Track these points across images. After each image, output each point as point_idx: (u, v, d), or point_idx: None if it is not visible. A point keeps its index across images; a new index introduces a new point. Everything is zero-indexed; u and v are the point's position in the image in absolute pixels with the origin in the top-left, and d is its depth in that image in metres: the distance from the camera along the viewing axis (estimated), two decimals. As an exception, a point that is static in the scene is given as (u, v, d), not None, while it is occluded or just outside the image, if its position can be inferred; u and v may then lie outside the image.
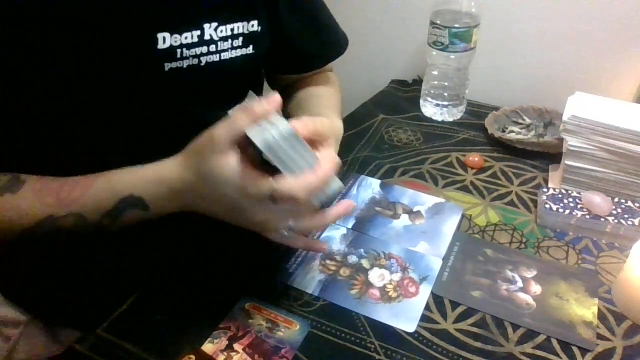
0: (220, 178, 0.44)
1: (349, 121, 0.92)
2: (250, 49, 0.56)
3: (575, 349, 0.51)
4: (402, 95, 1.04)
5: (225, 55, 0.54)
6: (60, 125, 0.51)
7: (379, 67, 1.18)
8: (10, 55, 0.45)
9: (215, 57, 0.53)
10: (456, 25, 0.85)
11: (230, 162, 0.43)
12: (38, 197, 0.48)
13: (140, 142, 0.52)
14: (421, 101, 0.97)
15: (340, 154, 0.83)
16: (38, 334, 0.67)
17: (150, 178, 0.48)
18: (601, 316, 0.55)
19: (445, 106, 0.94)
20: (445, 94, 0.93)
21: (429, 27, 0.89)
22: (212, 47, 0.52)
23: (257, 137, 0.43)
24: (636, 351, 0.51)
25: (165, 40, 0.49)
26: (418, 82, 1.05)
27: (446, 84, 0.93)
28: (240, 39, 0.55)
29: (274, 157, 0.43)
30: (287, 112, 0.68)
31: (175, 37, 0.49)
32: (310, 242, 0.56)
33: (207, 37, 0.51)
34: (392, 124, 0.93)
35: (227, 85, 0.55)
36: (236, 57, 0.55)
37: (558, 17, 0.93)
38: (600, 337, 0.53)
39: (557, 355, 0.51)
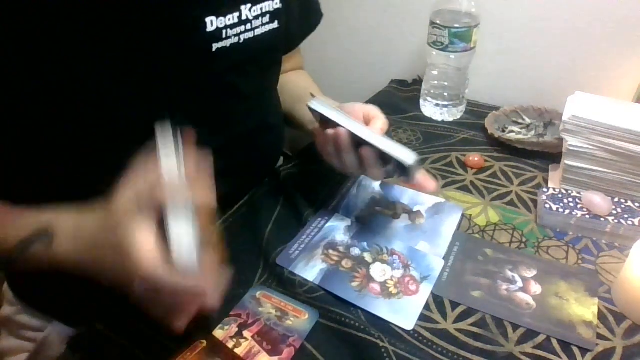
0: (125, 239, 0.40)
1: (349, 121, 0.92)
2: (275, 24, 0.62)
3: (575, 349, 0.51)
4: (402, 95, 1.04)
5: (258, 32, 0.60)
6: (112, 107, 0.53)
7: (379, 67, 1.18)
8: (66, 40, 0.47)
9: (251, 34, 0.59)
10: (456, 25, 0.85)
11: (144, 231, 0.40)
12: None
13: (187, 118, 0.55)
14: (421, 101, 0.97)
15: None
16: (60, 342, 0.68)
17: (69, 210, 0.48)
18: (601, 316, 0.55)
19: (445, 106, 0.94)
20: (445, 94, 0.93)
21: (429, 27, 0.89)
22: (249, 26, 0.58)
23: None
24: (636, 351, 0.51)
25: (212, 23, 0.55)
26: (418, 82, 1.05)
27: (446, 84, 0.93)
28: (268, 16, 0.61)
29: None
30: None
31: (220, 20, 0.55)
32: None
33: (244, 17, 0.58)
34: (392, 124, 0.93)
35: (261, 58, 0.63)
36: (266, 32, 0.61)
37: (558, 17, 0.93)
38: (600, 337, 0.53)
39: (557, 355, 0.51)
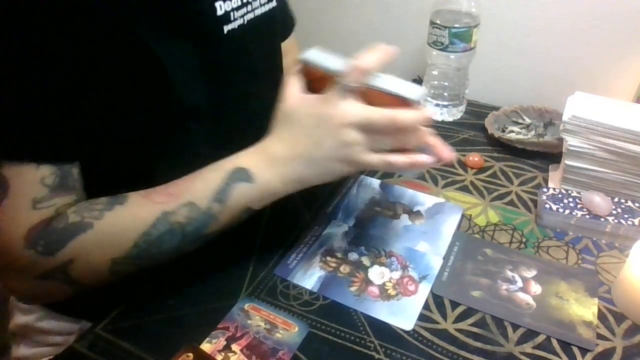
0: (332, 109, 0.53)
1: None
2: (273, 3, 0.67)
3: (575, 349, 0.51)
4: (402, 95, 1.04)
5: (258, 12, 0.64)
6: (135, 98, 0.54)
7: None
8: (88, 38, 0.48)
9: (252, 15, 0.63)
10: (456, 25, 0.85)
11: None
12: (148, 199, 0.51)
13: (210, 103, 0.61)
14: (421, 101, 0.97)
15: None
16: None
17: (251, 150, 0.54)
18: (601, 316, 0.55)
19: (445, 106, 0.94)
20: (445, 94, 0.93)
21: (429, 27, 0.89)
22: (249, 7, 0.62)
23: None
24: (636, 351, 0.51)
25: (221, 7, 0.58)
26: (418, 82, 1.05)
27: (446, 84, 0.93)
28: None
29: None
30: None
31: (227, 3, 0.59)
32: (416, 157, 0.54)
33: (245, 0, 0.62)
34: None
35: (265, 37, 0.69)
36: (265, 12, 0.65)
37: (558, 17, 0.93)
38: (600, 337, 0.53)
39: (557, 355, 0.51)
